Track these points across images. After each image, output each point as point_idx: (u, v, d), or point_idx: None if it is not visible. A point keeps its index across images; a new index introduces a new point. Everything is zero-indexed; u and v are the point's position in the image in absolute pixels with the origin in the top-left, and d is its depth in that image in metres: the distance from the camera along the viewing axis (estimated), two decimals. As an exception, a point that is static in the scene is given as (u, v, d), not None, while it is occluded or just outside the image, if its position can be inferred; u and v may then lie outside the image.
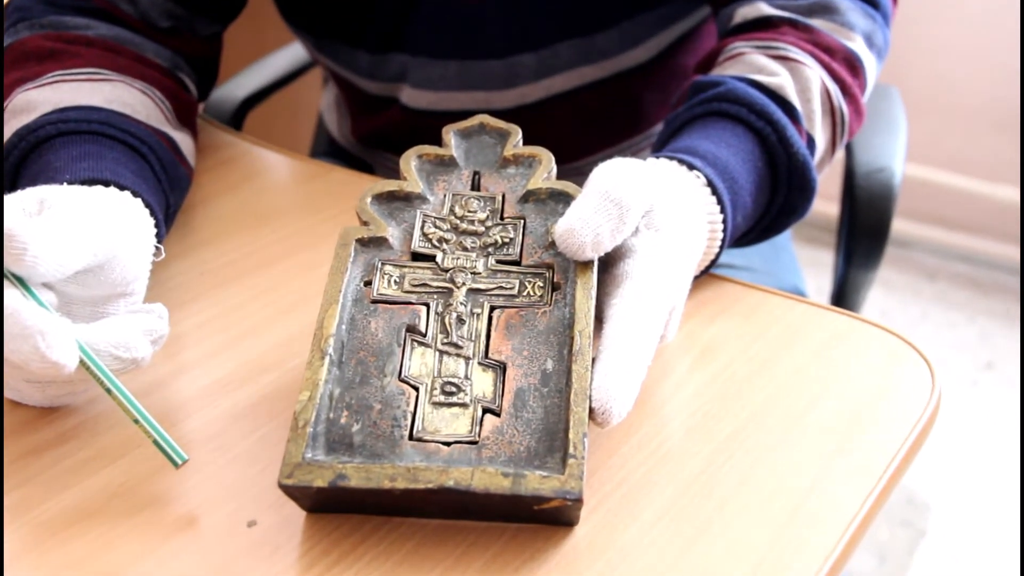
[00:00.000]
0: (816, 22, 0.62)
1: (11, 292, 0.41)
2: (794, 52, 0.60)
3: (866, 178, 0.79)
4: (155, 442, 0.42)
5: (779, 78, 0.58)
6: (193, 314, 0.54)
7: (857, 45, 0.62)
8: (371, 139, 0.84)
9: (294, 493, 0.39)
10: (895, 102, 0.89)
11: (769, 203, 0.58)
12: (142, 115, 0.58)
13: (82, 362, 0.42)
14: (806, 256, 1.57)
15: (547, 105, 0.74)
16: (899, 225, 1.76)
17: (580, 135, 0.77)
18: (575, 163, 0.76)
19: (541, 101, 0.74)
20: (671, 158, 0.53)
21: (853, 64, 0.62)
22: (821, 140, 0.60)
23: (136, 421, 0.42)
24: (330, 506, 0.40)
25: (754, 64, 0.59)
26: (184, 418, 0.46)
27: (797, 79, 0.59)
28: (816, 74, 0.59)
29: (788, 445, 0.45)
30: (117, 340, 0.43)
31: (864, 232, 0.79)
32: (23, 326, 0.40)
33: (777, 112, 0.56)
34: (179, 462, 0.42)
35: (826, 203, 1.24)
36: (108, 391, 0.42)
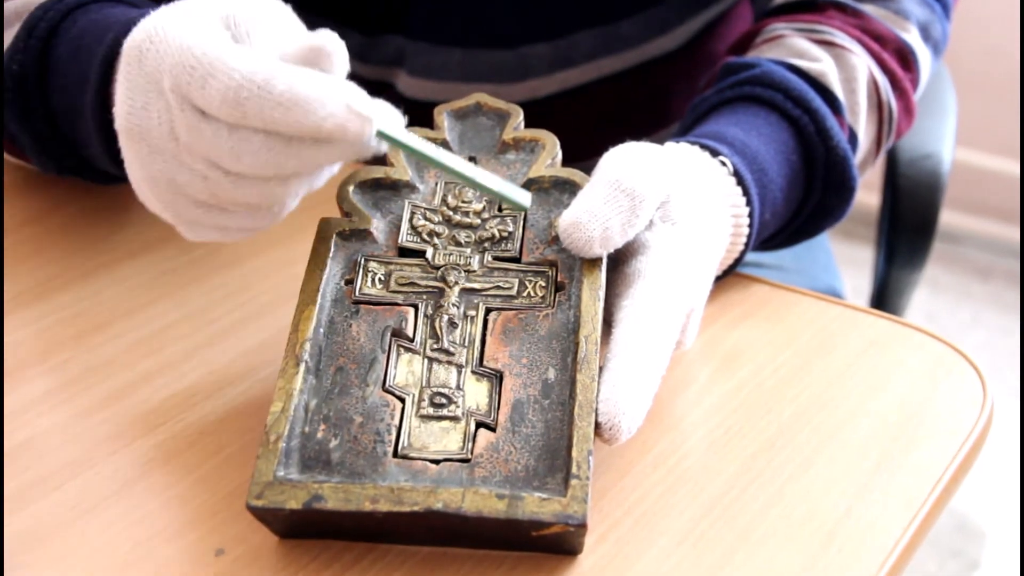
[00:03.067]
0: (867, 7, 0.62)
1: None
2: (840, 38, 0.60)
3: (910, 165, 0.79)
4: (495, 193, 0.41)
5: (821, 64, 0.58)
6: (153, 318, 0.54)
7: (911, 36, 0.62)
8: None
9: (265, 516, 0.39)
10: (943, 80, 0.89)
11: (802, 201, 0.58)
12: None
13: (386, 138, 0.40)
14: (843, 253, 1.57)
15: (561, 100, 0.74)
16: (947, 217, 1.76)
17: (597, 132, 0.76)
18: (588, 162, 0.76)
19: (555, 95, 0.74)
20: (693, 143, 0.53)
21: (905, 56, 0.62)
22: (864, 137, 0.60)
23: (465, 178, 0.41)
24: (305, 531, 0.40)
25: (794, 48, 0.59)
26: (143, 434, 0.46)
27: (842, 67, 0.59)
28: (863, 63, 0.59)
29: (821, 464, 0.45)
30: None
31: (908, 226, 0.79)
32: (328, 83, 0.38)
33: (816, 100, 0.56)
34: (527, 204, 0.42)
35: (866, 193, 1.24)
36: (428, 159, 0.41)
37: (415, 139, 0.41)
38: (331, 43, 0.39)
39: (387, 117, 0.40)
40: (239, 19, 0.41)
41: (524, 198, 0.42)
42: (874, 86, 0.59)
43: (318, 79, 0.39)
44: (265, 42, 0.41)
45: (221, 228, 0.44)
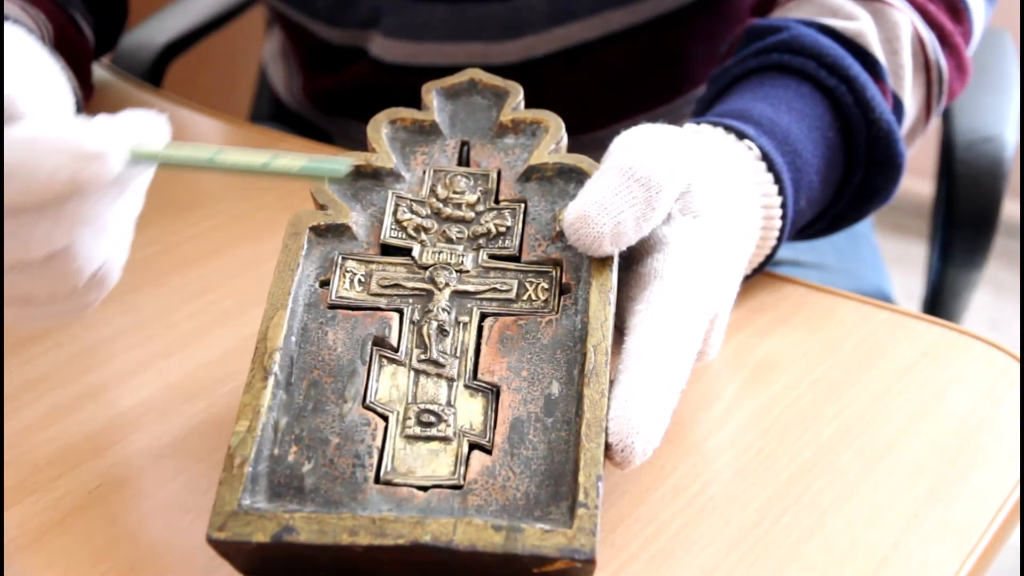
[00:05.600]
0: None
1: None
2: None
3: (968, 149, 0.79)
4: (303, 171, 0.40)
5: (858, 23, 0.58)
6: (100, 324, 0.54)
7: None
8: (328, 102, 0.84)
9: (228, 550, 0.39)
10: (1004, 49, 0.89)
11: (842, 184, 0.58)
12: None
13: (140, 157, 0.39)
14: (892, 249, 1.58)
15: (561, 60, 0.74)
16: (1011, 209, 1.76)
17: (603, 99, 0.77)
18: (595, 133, 0.76)
19: (554, 55, 0.74)
20: (715, 124, 0.53)
21: (955, 6, 0.62)
22: (911, 104, 0.60)
23: (266, 166, 0.39)
24: (274, 567, 0.40)
25: (827, 5, 0.60)
26: (90, 457, 0.47)
27: (882, 24, 0.59)
28: (907, 18, 0.59)
29: (866, 492, 0.46)
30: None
31: (966, 218, 0.79)
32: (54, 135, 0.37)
33: (854, 66, 0.56)
34: (344, 169, 0.40)
35: (917, 180, 1.24)
36: (211, 163, 0.39)
37: (182, 149, 0.40)
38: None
39: (135, 132, 0.39)
40: None
41: (339, 165, 0.40)
42: (920, 44, 0.60)
43: (27, 130, 0.37)
44: None
45: (48, 316, 0.42)
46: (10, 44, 0.39)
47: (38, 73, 0.38)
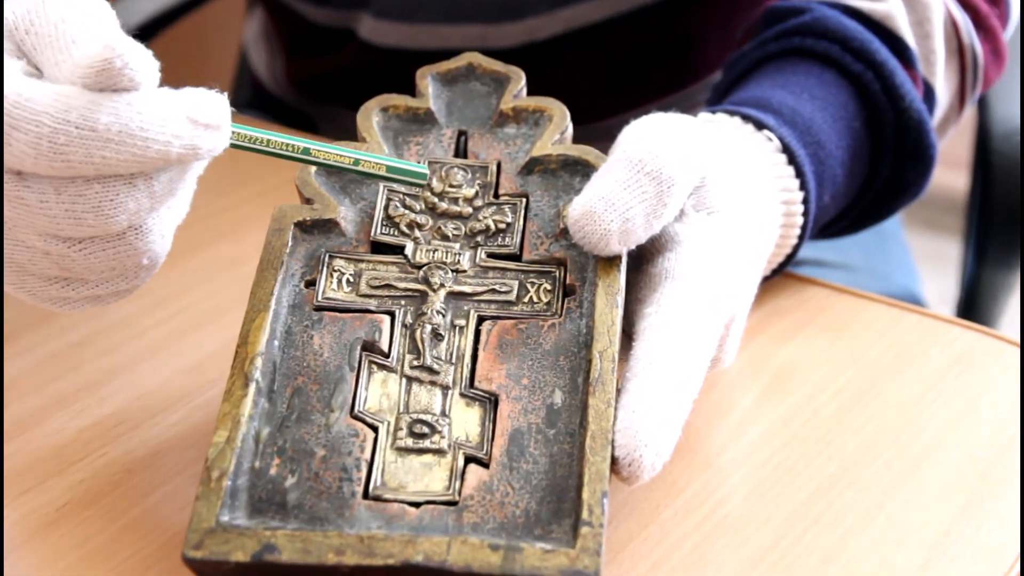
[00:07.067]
0: None
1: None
2: None
3: (1005, 140, 0.79)
4: (388, 171, 0.43)
5: (887, 4, 0.58)
6: (67, 329, 0.54)
7: None
8: (314, 87, 0.84)
9: (205, 570, 0.39)
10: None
11: (869, 178, 0.58)
12: None
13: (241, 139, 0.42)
14: (923, 248, 1.57)
15: (566, 44, 0.74)
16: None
17: (610, 85, 0.77)
18: (602, 123, 0.76)
19: (558, 38, 0.74)
20: (732, 113, 0.53)
21: None
22: (944, 92, 0.60)
23: (356, 164, 0.43)
24: (255, 590, 0.41)
25: None
26: (56, 472, 0.47)
27: (912, 6, 0.59)
28: (939, 0, 0.60)
29: (893, 509, 0.46)
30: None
31: (1003, 214, 0.79)
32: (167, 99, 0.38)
33: (882, 51, 0.56)
34: (425, 173, 0.43)
35: (951, 174, 1.24)
36: (306, 155, 0.43)
37: (277, 137, 0.42)
38: (119, 53, 0.37)
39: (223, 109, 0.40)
40: (24, 29, 0.40)
41: (421, 170, 0.43)
42: (953, 27, 0.60)
43: (144, 97, 0.38)
44: (56, 60, 0.39)
45: (92, 298, 0.44)
46: (104, 14, 0.41)
47: (138, 46, 0.39)
